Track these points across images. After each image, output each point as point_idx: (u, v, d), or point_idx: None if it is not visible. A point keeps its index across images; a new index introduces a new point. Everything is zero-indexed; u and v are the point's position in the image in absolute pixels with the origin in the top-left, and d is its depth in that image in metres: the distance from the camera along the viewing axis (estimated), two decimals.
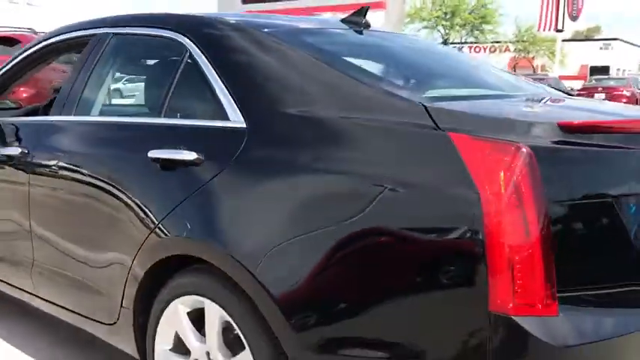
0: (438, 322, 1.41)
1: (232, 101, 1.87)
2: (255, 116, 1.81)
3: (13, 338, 2.85)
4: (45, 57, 2.85)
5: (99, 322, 2.22)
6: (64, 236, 2.32)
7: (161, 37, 2.22)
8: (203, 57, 2.01)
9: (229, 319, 1.72)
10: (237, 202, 1.74)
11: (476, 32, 43.97)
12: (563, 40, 44.56)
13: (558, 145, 1.47)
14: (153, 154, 1.95)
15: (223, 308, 1.72)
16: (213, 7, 22.18)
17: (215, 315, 1.76)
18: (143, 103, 2.65)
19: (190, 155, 1.84)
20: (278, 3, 24.90)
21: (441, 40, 40.93)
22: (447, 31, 43.87)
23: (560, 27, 31.81)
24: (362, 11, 2.41)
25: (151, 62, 2.65)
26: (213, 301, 1.75)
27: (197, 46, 2.04)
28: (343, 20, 2.43)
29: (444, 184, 1.41)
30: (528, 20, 41.62)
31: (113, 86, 2.32)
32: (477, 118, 1.54)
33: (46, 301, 2.50)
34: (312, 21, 2.65)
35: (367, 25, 2.43)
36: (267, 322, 1.60)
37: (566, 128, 1.49)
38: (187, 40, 2.08)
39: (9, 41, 10.13)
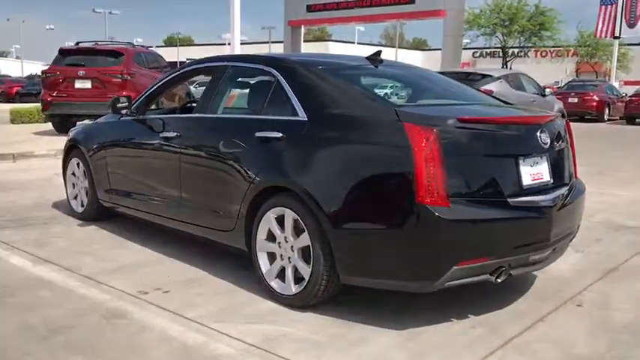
0: (395, 207, 3.04)
1: (300, 106, 3.55)
2: (311, 114, 3.48)
3: (150, 243, 4.61)
4: (187, 78, 4.63)
5: (223, 230, 3.93)
6: (204, 182, 4.06)
7: (259, 69, 3.96)
8: (284, 81, 3.70)
9: (298, 217, 3.38)
10: (303, 159, 3.41)
11: (534, 39, 44.39)
12: (629, 45, 44.27)
13: (457, 129, 3.07)
14: (258, 134, 3.65)
15: (295, 212, 3.39)
16: (280, 10, 24.30)
17: (289, 217, 3.43)
18: (247, 107, 4.35)
19: (277, 134, 3.54)
20: (337, 11, 26.62)
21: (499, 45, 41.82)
22: (504, 37, 44.49)
23: (617, 34, 32.34)
24: (378, 53, 4.09)
25: (253, 83, 4.35)
26: (290, 209, 3.42)
27: (281, 75, 3.74)
28: (367, 58, 4.08)
29: (400, 145, 3.00)
30: (590, 26, 41.74)
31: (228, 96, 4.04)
32: (419, 114, 3.16)
33: (187, 223, 4.25)
34: (345, 58, 4.36)
35: (381, 61, 4.09)
36: (317, 218, 3.26)
37: (461, 120, 3.09)
38: (275, 71, 3.79)
39: (114, 54, 12.24)
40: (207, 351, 2.94)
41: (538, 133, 3.36)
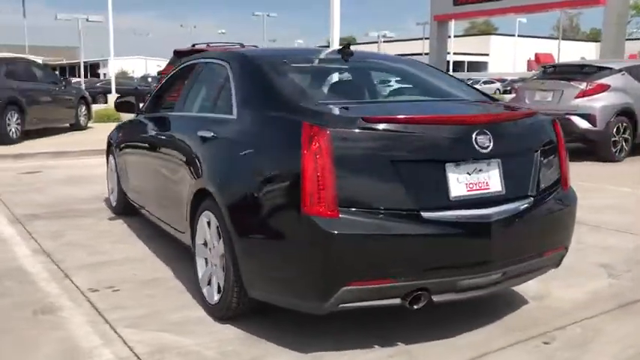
0: (283, 217, 2.72)
1: (235, 103, 3.33)
2: (240, 111, 3.25)
3: (157, 239, 4.64)
4: (182, 77, 4.58)
5: (181, 232, 3.84)
6: (167, 182, 4.01)
7: (220, 65, 3.79)
8: (231, 77, 3.50)
9: (217, 223, 3.17)
10: (221, 161, 3.20)
11: None
12: None
13: (360, 130, 2.66)
14: (199, 133, 3.49)
15: (216, 217, 3.18)
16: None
17: (213, 222, 3.23)
18: (205, 104, 4.18)
19: (210, 134, 3.35)
20: (488, 3, 25.41)
21: None
22: None
23: None
24: (346, 46, 3.73)
25: (211, 79, 4.19)
26: (213, 213, 3.22)
27: (230, 70, 3.54)
28: (338, 51, 3.72)
29: (294, 143, 2.66)
30: None
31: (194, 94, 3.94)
32: (322, 113, 2.80)
33: (165, 223, 4.22)
34: (313, 53, 4.04)
35: (351, 54, 3.70)
36: (226, 225, 3.03)
37: (367, 120, 2.68)
38: (227, 67, 3.60)
39: None
40: (90, 356, 2.86)
41: (474, 136, 2.80)
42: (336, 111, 2.90)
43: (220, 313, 3.20)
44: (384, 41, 54.11)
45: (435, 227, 2.69)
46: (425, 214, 2.68)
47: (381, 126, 2.71)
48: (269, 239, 2.83)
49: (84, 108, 13.57)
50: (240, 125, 3.21)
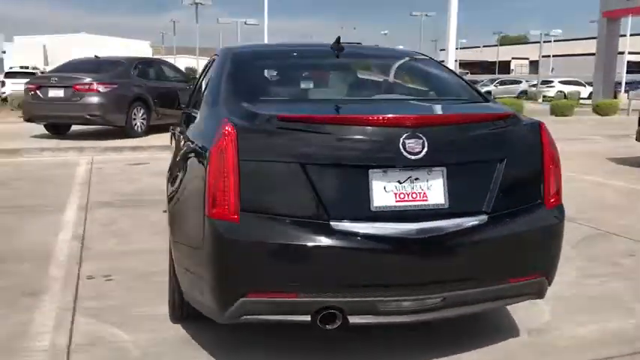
0: (192, 219, 2.58)
1: (202, 100, 3.25)
2: (201, 109, 3.16)
3: None
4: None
5: None
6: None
7: (213, 59, 3.74)
8: (212, 73, 3.43)
9: None
10: (174, 157, 3.15)
11: None
12: None
13: (275, 129, 2.45)
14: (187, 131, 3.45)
15: None
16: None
17: None
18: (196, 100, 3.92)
19: (184, 132, 3.31)
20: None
21: None
22: None
23: None
24: (337, 41, 3.46)
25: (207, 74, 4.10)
26: None
27: (216, 66, 3.46)
28: (331, 47, 3.47)
29: (213, 139, 2.52)
30: None
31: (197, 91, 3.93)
32: (245, 111, 2.61)
33: None
34: (296, 47, 3.83)
35: (341, 49, 3.44)
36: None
37: (282, 118, 2.46)
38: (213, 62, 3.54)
39: None
40: (30, 341, 2.96)
41: (401, 139, 2.44)
42: (260, 108, 2.69)
43: (171, 313, 3.16)
44: (554, 40, 50.64)
45: (347, 240, 2.39)
46: (334, 225, 2.39)
47: (295, 125, 2.47)
48: (185, 242, 2.72)
49: None
50: (196, 122, 3.14)
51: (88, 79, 10.73)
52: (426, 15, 52.92)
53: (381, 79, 3.71)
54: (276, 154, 2.44)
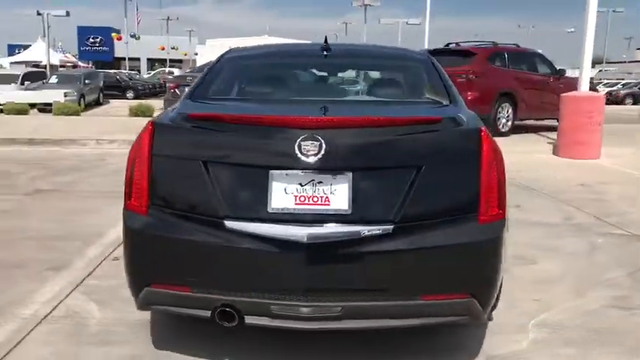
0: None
1: None
2: None
3: None
4: None
5: None
6: None
7: None
8: None
9: None
10: None
11: None
12: None
13: (186, 127, 2.54)
14: None
15: None
16: None
17: None
18: None
19: None
20: None
21: None
22: None
23: None
24: (325, 40, 3.44)
25: None
26: None
27: None
28: (322, 47, 3.47)
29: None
30: None
31: None
32: (178, 110, 2.73)
33: None
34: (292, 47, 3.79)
35: (328, 49, 3.42)
36: None
37: (192, 117, 2.54)
38: None
39: (467, 54, 12.23)
40: (23, 309, 3.32)
41: (298, 141, 2.38)
42: (192, 107, 2.78)
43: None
44: None
45: (238, 240, 2.40)
46: (229, 224, 2.41)
47: (203, 124, 2.54)
48: None
49: None
50: None
51: None
52: (614, 11, 48.52)
53: (350, 81, 3.61)
54: (183, 151, 2.54)
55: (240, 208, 2.44)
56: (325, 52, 3.38)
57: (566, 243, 4.81)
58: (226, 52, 3.65)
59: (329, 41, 3.52)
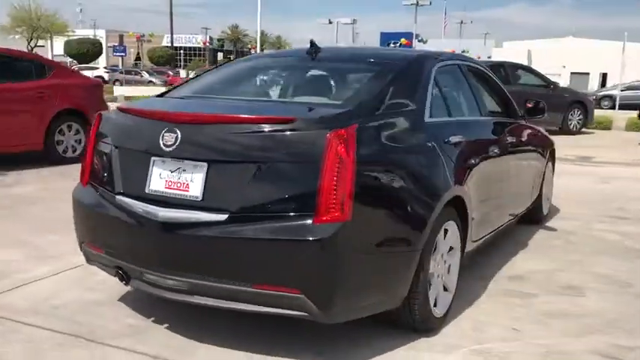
0: None
1: None
2: None
3: None
4: None
5: None
6: None
7: None
8: None
9: None
10: None
11: None
12: None
13: (118, 117, 3.09)
14: None
15: None
16: None
17: None
18: None
19: None
20: None
21: None
22: None
23: None
24: (311, 43, 3.65)
25: None
26: None
27: None
28: (307, 51, 3.69)
29: None
30: None
31: None
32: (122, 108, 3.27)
33: None
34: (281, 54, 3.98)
35: (313, 53, 3.62)
36: None
37: (119, 109, 3.08)
38: None
39: None
40: (33, 266, 4.21)
41: (162, 133, 2.72)
42: (138, 102, 3.29)
43: None
44: None
45: (122, 213, 2.85)
46: (118, 199, 2.89)
47: (121, 115, 3.06)
48: None
49: (578, 112, 13.29)
50: None
51: None
52: None
53: (302, 82, 3.65)
54: (108, 137, 3.10)
55: (128, 186, 2.91)
56: (303, 57, 3.64)
57: None
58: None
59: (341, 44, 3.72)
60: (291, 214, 2.54)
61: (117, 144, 3.01)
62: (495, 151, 3.96)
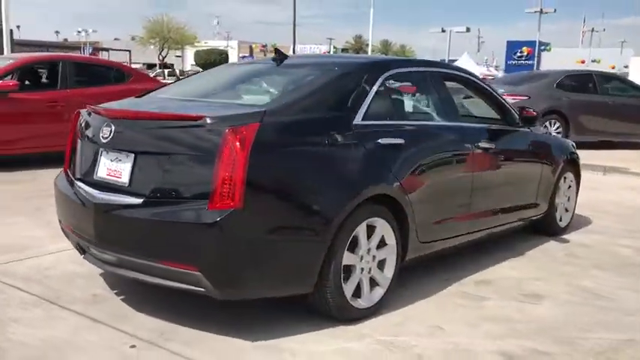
0: None
1: None
2: None
3: None
4: None
5: None
6: None
7: None
8: None
9: None
10: None
11: None
12: None
13: (88, 115, 3.59)
14: None
15: None
16: None
17: None
18: None
19: None
20: None
21: None
22: None
23: None
24: (275, 51, 3.98)
25: None
26: None
27: None
28: (273, 58, 4.03)
29: None
30: None
31: None
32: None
33: None
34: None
35: (277, 60, 3.95)
36: None
37: (88, 108, 3.57)
38: None
39: None
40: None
41: (102, 127, 3.20)
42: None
43: None
44: None
45: (76, 196, 3.34)
46: (76, 183, 3.39)
47: (86, 112, 3.55)
48: None
49: None
50: None
51: (500, 90, 11.42)
52: None
53: (250, 86, 3.91)
54: (79, 131, 3.61)
55: (84, 173, 3.41)
56: (269, 64, 4.02)
57: None
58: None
59: None
60: (193, 200, 2.89)
61: (80, 137, 3.53)
62: (462, 156, 4.03)
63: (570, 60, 56.56)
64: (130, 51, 51.77)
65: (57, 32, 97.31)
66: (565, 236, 5.48)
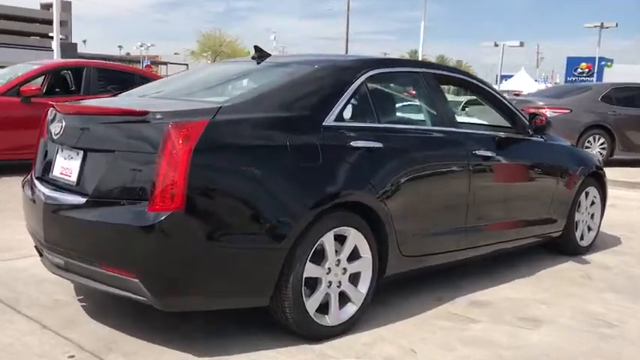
0: None
1: None
2: None
3: None
4: None
5: None
6: None
7: None
8: None
9: None
10: None
11: None
12: None
13: (53, 112, 3.44)
14: None
15: None
16: None
17: None
18: None
19: None
20: None
21: None
22: None
23: None
24: (256, 49, 3.77)
25: None
26: None
27: None
28: (253, 57, 3.83)
29: None
30: None
31: None
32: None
33: None
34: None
35: (258, 57, 3.75)
36: None
37: (59, 107, 3.44)
38: None
39: None
40: None
41: (55, 123, 3.09)
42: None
43: None
44: None
45: (33, 195, 3.20)
46: (35, 182, 3.25)
47: (51, 110, 3.40)
48: None
49: None
50: None
51: (540, 103, 10.91)
52: None
53: (222, 83, 3.69)
54: (44, 130, 3.46)
55: (42, 171, 3.27)
56: (250, 62, 3.84)
57: None
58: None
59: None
60: (133, 200, 2.69)
61: (43, 135, 3.39)
62: (454, 164, 3.71)
63: (634, 77, 54.40)
64: (187, 65, 53.01)
65: (120, 47, 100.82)
66: (586, 257, 5.02)
